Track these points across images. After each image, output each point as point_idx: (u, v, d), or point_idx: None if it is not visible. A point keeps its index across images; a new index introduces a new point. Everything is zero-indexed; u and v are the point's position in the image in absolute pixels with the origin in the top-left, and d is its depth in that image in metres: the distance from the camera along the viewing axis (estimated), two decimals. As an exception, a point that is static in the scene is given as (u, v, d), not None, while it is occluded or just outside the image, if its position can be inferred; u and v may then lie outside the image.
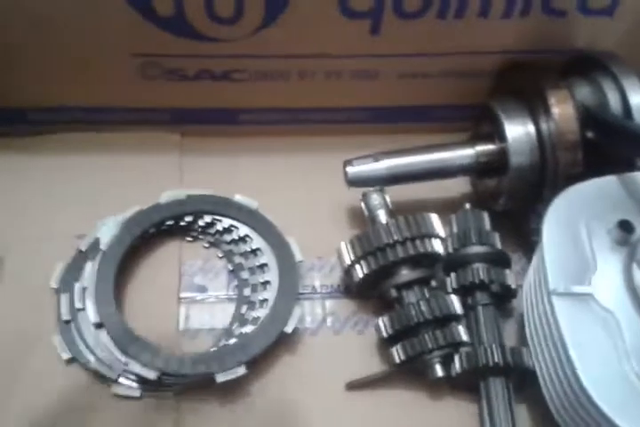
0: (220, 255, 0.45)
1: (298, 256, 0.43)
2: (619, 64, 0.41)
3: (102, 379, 0.39)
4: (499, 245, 0.43)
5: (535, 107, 0.41)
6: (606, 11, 0.43)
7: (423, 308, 0.39)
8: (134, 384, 0.39)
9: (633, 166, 0.38)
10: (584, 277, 0.34)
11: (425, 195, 0.48)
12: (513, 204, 0.44)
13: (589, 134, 0.39)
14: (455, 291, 0.42)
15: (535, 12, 0.42)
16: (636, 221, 0.34)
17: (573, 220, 0.36)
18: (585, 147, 0.40)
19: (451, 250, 0.43)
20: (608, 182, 0.37)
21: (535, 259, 0.38)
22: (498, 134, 0.42)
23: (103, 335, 0.39)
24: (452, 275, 0.42)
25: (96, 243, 0.42)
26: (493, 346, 0.38)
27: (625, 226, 0.34)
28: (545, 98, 0.40)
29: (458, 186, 0.49)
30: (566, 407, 0.33)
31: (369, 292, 0.43)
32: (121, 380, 0.39)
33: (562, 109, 0.39)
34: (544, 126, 0.40)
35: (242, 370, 0.38)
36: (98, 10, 0.40)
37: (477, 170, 0.44)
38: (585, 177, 0.39)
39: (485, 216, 0.44)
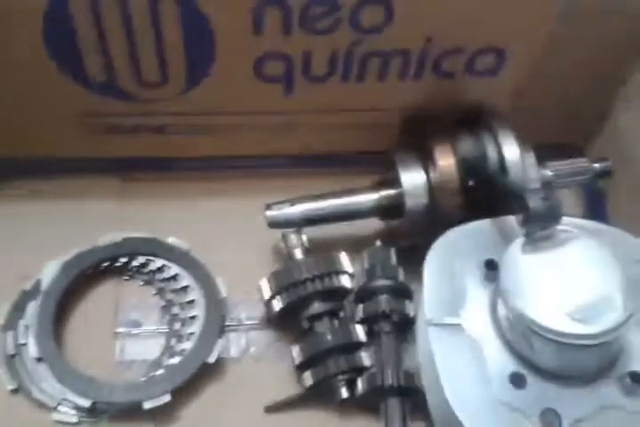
0: (154, 292, 0.50)
1: (223, 292, 0.48)
2: (499, 121, 0.47)
3: (43, 407, 0.44)
4: (402, 279, 0.48)
5: (426, 158, 0.47)
6: (491, 71, 0.49)
7: (328, 337, 0.44)
8: (72, 411, 0.43)
9: (507, 212, 0.44)
10: (456, 309, 0.39)
11: (344, 233, 0.53)
12: (414, 241, 0.49)
13: (471, 183, 0.45)
14: (363, 320, 0.47)
15: (427, 74, 0.48)
16: (500, 260, 0.39)
17: (450, 258, 0.41)
18: (469, 193, 0.46)
19: (362, 283, 0.49)
20: (482, 225, 0.42)
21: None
22: (397, 180, 0.48)
23: (43, 368, 0.44)
24: (360, 306, 0.47)
25: (38, 284, 0.47)
26: (389, 370, 0.43)
27: (490, 264, 0.40)
28: (431, 151, 0.46)
29: (374, 224, 0.54)
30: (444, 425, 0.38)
31: (287, 323, 0.48)
32: (60, 407, 0.43)
33: (444, 161, 0.45)
34: (432, 175, 0.46)
35: (167, 398, 0.43)
36: (38, 79, 0.45)
37: (381, 212, 0.49)
38: (469, 219, 0.45)
39: (392, 252, 0.49)
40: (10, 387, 0.44)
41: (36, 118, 0.48)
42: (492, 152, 0.46)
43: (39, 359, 0.44)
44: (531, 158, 0.46)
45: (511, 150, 0.45)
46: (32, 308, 0.46)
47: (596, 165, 0.50)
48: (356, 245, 0.51)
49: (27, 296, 0.47)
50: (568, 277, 0.37)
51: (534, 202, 0.37)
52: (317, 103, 0.49)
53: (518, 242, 0.38)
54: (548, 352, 0.36)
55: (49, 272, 0.47)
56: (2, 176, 0.53)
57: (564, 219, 0.39)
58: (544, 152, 0.49)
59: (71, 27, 0.42)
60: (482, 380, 0.37)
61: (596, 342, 0.35)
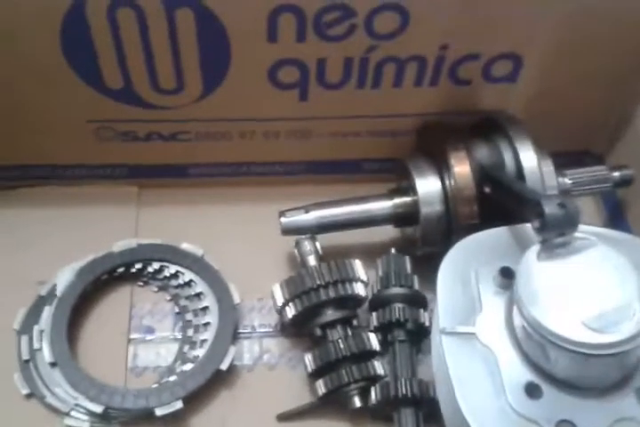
0: (168, 299, 0.50)
1: (236, 299, 0.48)
2: (515, 127, 0.47)
3: (56, 412, 0.44)
4: (417, 287, 0.48)
5: (441, 165, 0.46)
6: (508, 77, 0.48)
7: (341, 345, 0.44)
8: (84, 417, 0.43)
9: (524, 219, 0.43)
10: (470, 317, 0.38)
11: (358, 240, 0.53)
12: (428, 249, 0.48)
13: (487, 190, 0.45)
14: (376, 329, 0.47)
15: (443, 81, 0.47)
16: (516, 267, 0.39)
17: (465, 266, 0.40)
18: (485, 200, 0.45)
19: (376, 291, 0.48)
20: (498, 233, 0.42)
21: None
22: (411, 188, 0.47)
23: (57, 373, 0.44)
24: (374, 314, 0.47)
25: (53, 289, 0.47)
26: (403, 379, 0.43)
27: (506, 272, 0.39)
28: (447, 158, 0.45)
29: (389, 232, 0.54)
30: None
31: (300, 330, 0.48)
32: (72, 413, 0.43)
33: (460, 168, 0.45)
34: (447, 182, 0.46)
35: (179, 404, 0.43)
36: (56, 85, 0.46)
37: (395, 219, 0.49)
38: (485, 227, 0.44)
39: (407, 260, 0.49)
40: (24, 392, 0.44)
41: (52, 125, 0.49)
42: (508, 159, 0.46)
43: (53, 364, 0.44)
44: (548, 166, 0.46)
45: (528, 157, 0.45)
46: (47, 313, 0.46)
47: (616, 174, 0.50)
48: (370, 253, 0.50)
49: (42, 301, 0.47)
50: (585, 286, 0.36)
51: (551, 208, 0.36)
52: (332, 110, 0.49)
53: (534, 249, 0.37)
54: (563, 362, 0.36)
55: (64, 278, 0.47)
56: (17, 182, 0.54)
57: (582, 227, 0.38)
58: (563, 160, 0.49)
59: (89, 35, 0.42)
60: (496, 390, 0.36)
61: (612, 351, 0.34)
